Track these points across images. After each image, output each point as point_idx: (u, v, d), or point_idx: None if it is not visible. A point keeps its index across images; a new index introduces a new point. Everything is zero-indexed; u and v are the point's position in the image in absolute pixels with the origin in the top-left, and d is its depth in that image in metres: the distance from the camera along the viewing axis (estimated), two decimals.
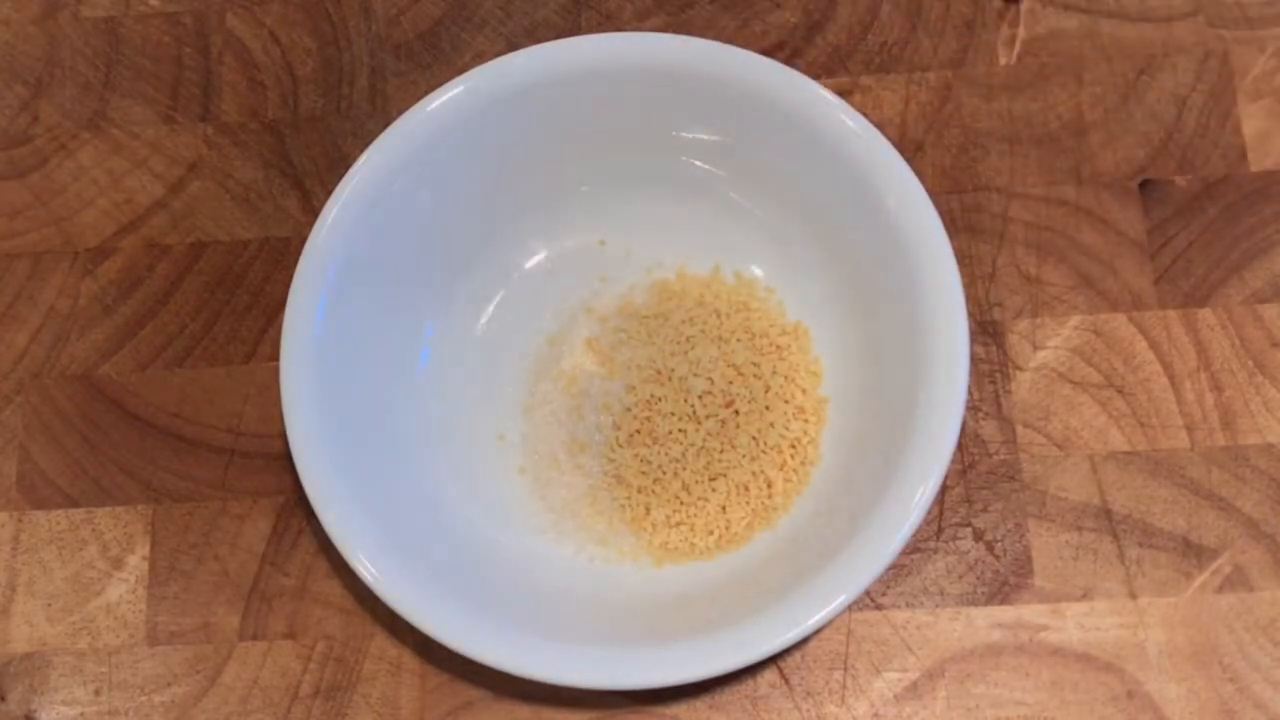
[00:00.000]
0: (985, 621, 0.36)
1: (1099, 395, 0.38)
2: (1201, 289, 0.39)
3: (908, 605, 0.36)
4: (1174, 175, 0.40)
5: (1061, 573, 0.36)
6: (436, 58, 0.43)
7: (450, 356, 0.39)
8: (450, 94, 0.36)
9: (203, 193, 0.42)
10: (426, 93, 0.36)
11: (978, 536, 0.37)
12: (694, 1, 0.43)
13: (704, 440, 0.37)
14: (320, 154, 0.42)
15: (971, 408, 0.38)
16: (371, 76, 0.43)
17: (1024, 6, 0.42)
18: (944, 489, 0.37)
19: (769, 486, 0.37)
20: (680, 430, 0.37)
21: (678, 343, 0.38)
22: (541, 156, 0.38)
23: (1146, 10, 0.42)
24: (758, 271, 0.39)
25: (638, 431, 0.37)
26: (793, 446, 0.37)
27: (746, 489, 0.37)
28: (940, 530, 0.37)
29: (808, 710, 0.36)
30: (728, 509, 0.37)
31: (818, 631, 0.33)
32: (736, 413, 0.37)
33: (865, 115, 0.35)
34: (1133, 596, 0.36)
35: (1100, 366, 0.38)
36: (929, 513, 0.34)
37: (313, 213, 0.41)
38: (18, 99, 0.43)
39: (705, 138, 0.38)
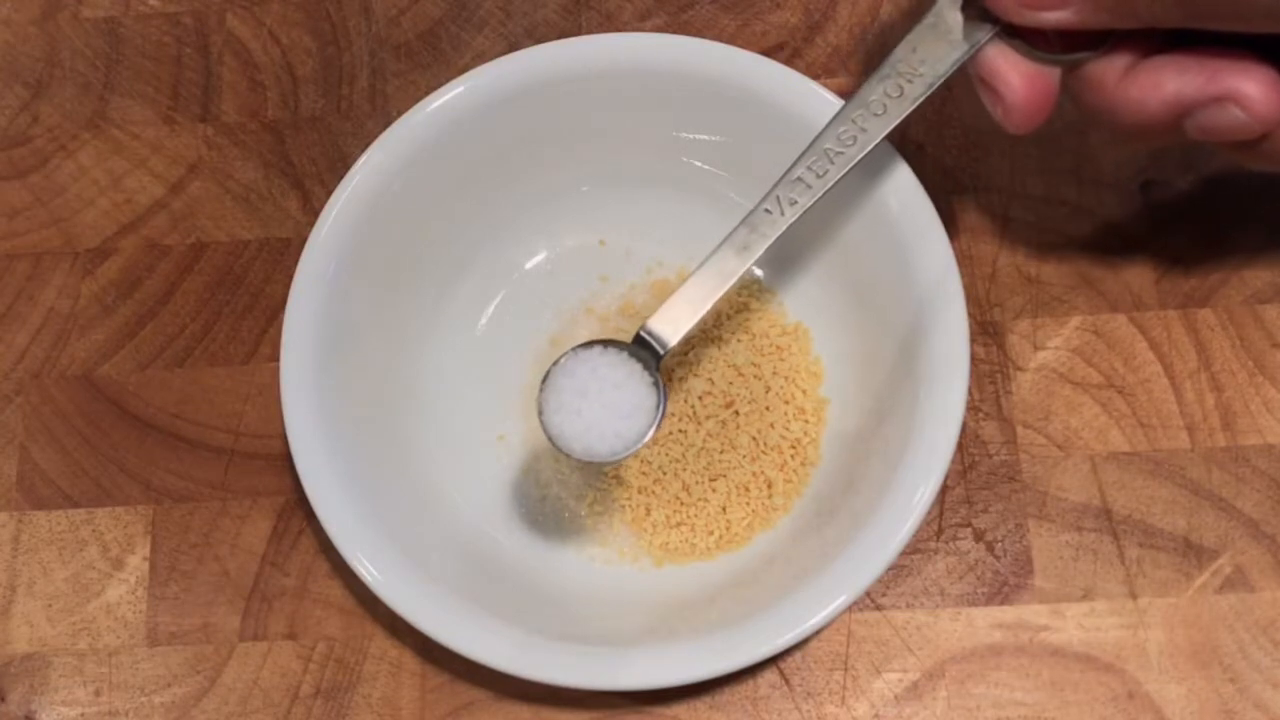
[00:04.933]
0: (985, 622, 0.36)
1: (1099, 395, 0.38)
2: (1201, 289, 0.39)
3: (908, 606, 0.36)
4: (1174, 175, 0.40)
5: (1062, 573, 0.36)
6: (436, 58, 0.43)
7: (450, 356, 0.39)
8: (450, 94, 0.36)
9: (203, 193, 0.42)
10: (426, 93, 0.36)
11: (978, 537, 0.37)
12: (694, 1, 0.43)
13: (704, 441, 0.37)
14: (320, 154, 0.42)
15: (972, 408, 0.38)
16: (371, 76, 0.43)
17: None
18: (944, 489, 0.37)
19: (769, 487, 0.37)
20: (680, 431, 0.37)
21: (677, 343, 0.38)
22: (541, 156, 0.38)
23: None
24: (758, 271, 0.39)
25: None
26: (793, 447, 0.37)
27: (747, 489, 0.37)
28: (940, 531, 0.37)
29: (808, 711, 0.36)
30: (728, 509, 0.37)
31: (818, 632, 0.33)
32: (736, 413, 0.37)
33: None
34: (1133, 597, 0.36)
35: (1100, 367, 0.38)
36: (929, 513, 0.34)
37: (313, 213, 0.41)
38: (18, 99, 0.43)
39: (705, 138, 0.38)
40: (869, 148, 0.32)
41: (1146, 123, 0.30)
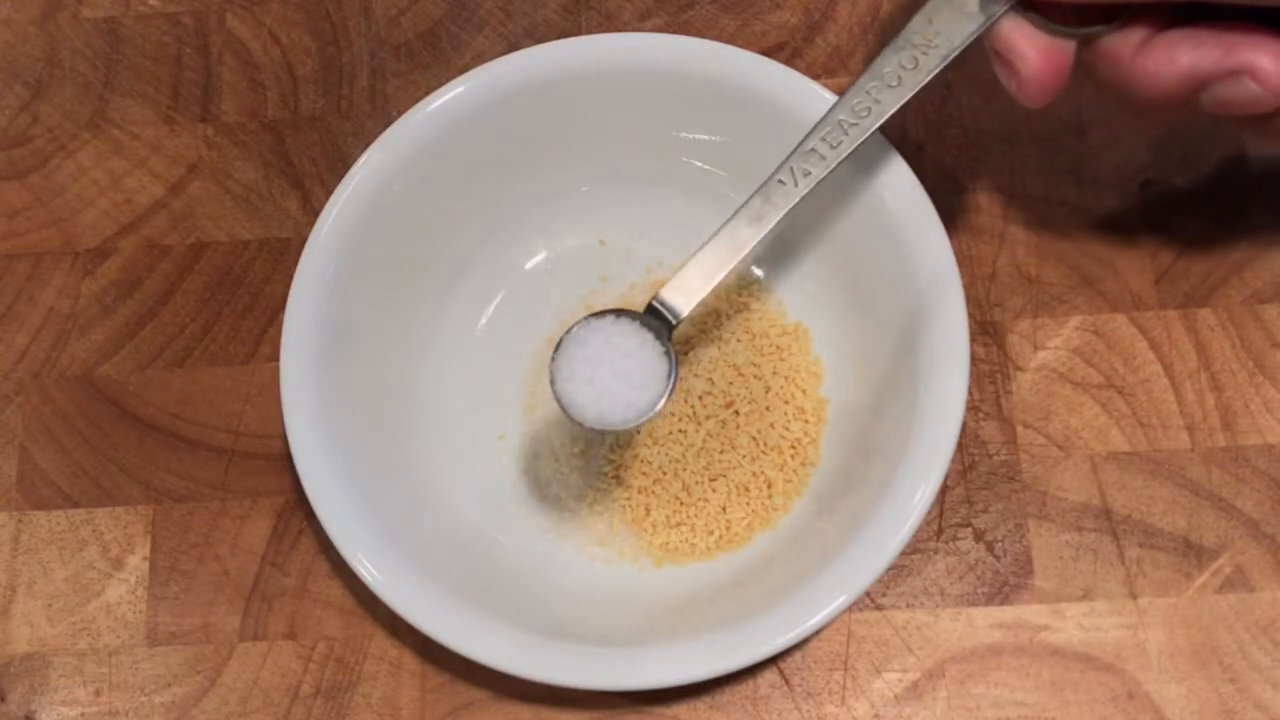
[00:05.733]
0: (985, 622, 0.36)
1: (1099, 395, 0.38)
2: (1201, 289, 0.39)
3: (908, 606, 0.36)
4: (1174, 175, 0.40)
5: (1062, 573, 0.36)
6: (436, 58, 0.43)
7: (450, 356, 0.39)
8: (450, 94, 0.36)
9: (203, 193, 0.42)
10: (426, 93, 0.36)
11: (978, 537, 0.37)
12: (694, 1, 0.43)
13: (704, 441, 0.37)
14: (320, 154, 0.42)
15: (971, 408, 0.38)
16: (371, 76, 0.43)
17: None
18: (944, 489, 0.37)
19: (769, 487, 0.37)
20: (680, 431, 0.37)
21: (677, 343, 0.38)
22: (541, 156, 0.38)
23: None
24: (758, 272, 0.39)
25: (638, 432, 0.37)
26: (793, 447, 0.37)
27: (747, 489, 0.37)
28: (940, 530, 0.37)
29: (808, 711, 0.36)
30: (728, 509, 0.37)
31: (818, 632, 0.33)
32: (736, 413, 0.37)
33: None
34: (1133, 597, 0.36)
35: (1100, 367, 0.38)
36: (929, 513, 0.34)
37: (313, 213, 0.41)
38: (18, 99, 0.43)
39: (705, 138, 0.38)
40: (883, 119, 0.32)
41: (1161, 96, 0.30)
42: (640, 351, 0.33)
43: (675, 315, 0.33)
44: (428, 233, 0.38)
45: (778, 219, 0.32)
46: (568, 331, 0.33)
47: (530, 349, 0.39)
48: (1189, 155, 0.40)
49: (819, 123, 0.32)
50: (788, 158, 0.32)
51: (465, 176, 0.37)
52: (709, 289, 0.33)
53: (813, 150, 0.32)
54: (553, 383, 0.33)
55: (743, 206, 0.32)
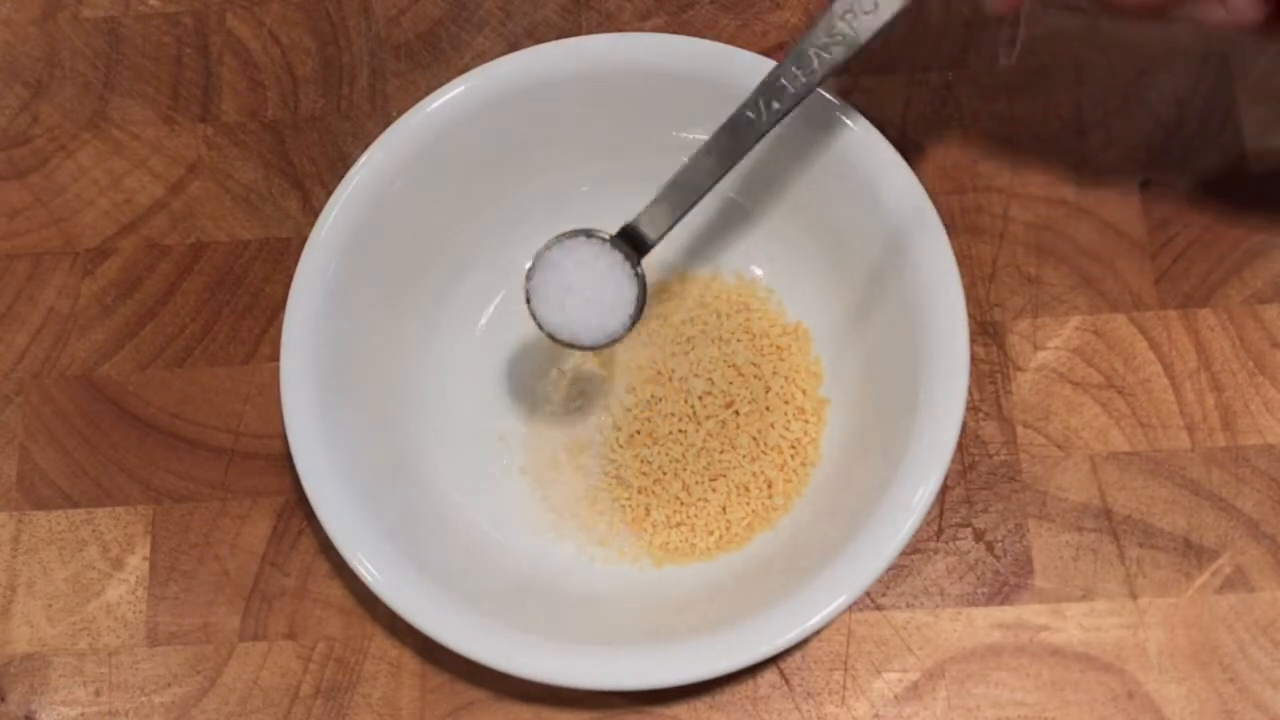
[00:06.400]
0: (985, 622, 0.36)
1: (1099, 395, 0.38)
2: (1201, 289, 0.39)
3: (908, 606, 0.36)
4: (1174, 175, 0.40)
5: (1062, 573, 0.36)
6: (436, 58, 0.43)
7: (450, 356, 0.39)
8: (450, 94, 0.36)
9: (203, 193, 0.42)
10: (426, 93, 0.36)
11: (978, 537, 0.37)
12: (694, 1, 0.43)
13: (704, 441, 0.37)
14: (320, 154, 0.42)
15: (971, 408, 0.38)
16: (371, 76, 0.43)
17: (1024, 7, 0.42)
18: (944, 489, 0.37)
19: (769, 487, 0.37)
20: (680, 431, 0.37)
21: (678, 343, 0.38)
22: (541, 156, 0.38)
23: None
24: (758, 272, 0.39)
25: (638, 432, 0.37)
26: (793, 447, 0.37)
27: (747, 489, 0.37)
28: (940, 531, 0.37)
29: (808, 710, 0.36)
30: (728, 509, 0.37)
31: (818, 632, 0.33)
32: (737, 413, 0.37)
33: (865, 115, 0.35)
34: (1133, 597, 0.36)
35: (1100, 367, 0.38)
36: (929, 513, 0.34)
37: (313, 213, 0.41)
38: (18, 99, 0.43)
39: (705, 138, 0.38)
40: (855, 49, 0.32)
41: (1144, 2, 0.31)
42: (610, 274, 0.34)
43: (646, 240, 0.34)
44: (428, 233, 0.37)
45: (745, 151, 0.33)
46: (538, 255, 0.34)
47: (530, 349, 0.39)
48: (1189, 155, 0.40)
49: (788, 56, 0.32)
50: (755, 91, 0.32)
51: (465, 176, 0.37)
52: (677, 216, 0.33)
53: (781, 83, 0.32)
54: (528, 301, 0.34)
55: (711, 139, 0.33)
